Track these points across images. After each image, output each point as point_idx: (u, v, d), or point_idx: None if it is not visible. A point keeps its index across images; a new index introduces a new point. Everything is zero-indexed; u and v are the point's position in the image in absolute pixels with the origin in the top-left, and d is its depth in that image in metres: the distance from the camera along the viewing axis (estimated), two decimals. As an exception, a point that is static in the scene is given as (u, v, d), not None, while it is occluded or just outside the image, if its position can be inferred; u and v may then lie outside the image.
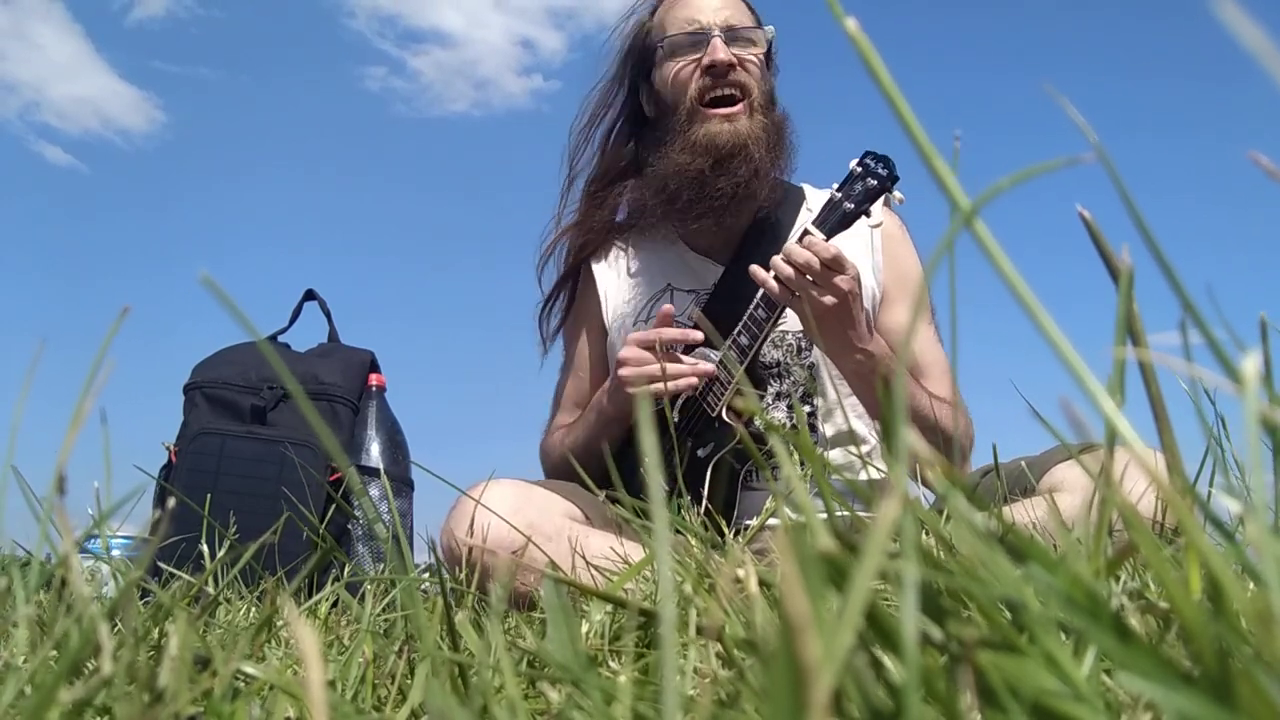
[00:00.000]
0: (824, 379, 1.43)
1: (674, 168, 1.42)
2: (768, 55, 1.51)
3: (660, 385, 1.28)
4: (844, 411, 1.44)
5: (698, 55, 1.44)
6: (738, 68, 1.43)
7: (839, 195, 1.33)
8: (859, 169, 1.34)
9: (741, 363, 1.33)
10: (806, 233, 1.28)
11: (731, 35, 1.45)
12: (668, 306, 1.35)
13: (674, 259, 1.51)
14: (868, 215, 1.33)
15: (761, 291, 1.33)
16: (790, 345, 1.44)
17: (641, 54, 1.52)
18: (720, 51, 1.42)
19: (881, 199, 1.33)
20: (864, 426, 1.47)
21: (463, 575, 1.00)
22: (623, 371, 1.33)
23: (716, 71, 1.42)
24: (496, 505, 1.12)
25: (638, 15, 1.54)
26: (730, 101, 1.43)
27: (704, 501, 1.25)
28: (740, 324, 1.34)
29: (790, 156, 1.51)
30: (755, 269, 1.28)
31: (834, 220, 1.30)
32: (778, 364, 1.44)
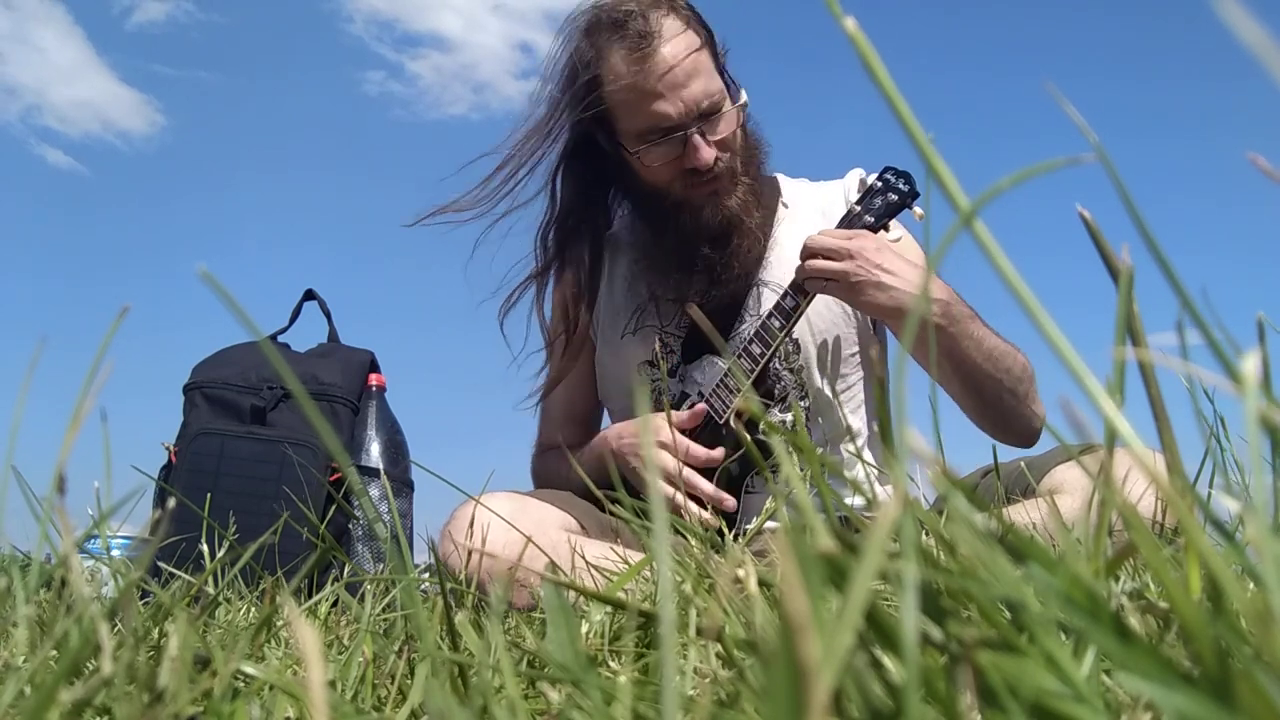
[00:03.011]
0: (815, 379, 1.42)
1: (684, 261, 1.39)
2: (734, 90, 1.39)
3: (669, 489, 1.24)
4: (840, 407, 1.44)
5: (676, 154, 1.33)
6: (719, 157, 1.34)
7: (858, 209, 1.33)
8: (879, 183, 1.34)
9: (753, 371, 1.33)
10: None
11: (705, 119, 1.32)
12: (701, 406, 1.32)
13: (656, 267, 1.47)
14: (886, 230, 1.33)
15: (776, 301, 1.32)
16: (779, 350, 1.44)
17: (594, 111, 1.35)
18: (704, 153, 1.31)
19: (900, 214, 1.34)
20: (859, 421, 1.47)
21: (462, 578, 1.00)
22: (634, 463, 1.29)
23: (702, 170, 1.33)
24: (491, 520, 1.11)
25: (579, 58, 1.36)
26: (713, 180, 1.36)
27: (707, 507, 1.24)
28: (753, 333, 1.34)
29: (764, 168, 1.48)
30: (810, 264, 1.26)
31: None
32: (771, 365, 1.44)
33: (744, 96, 1.39)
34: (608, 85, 1.33)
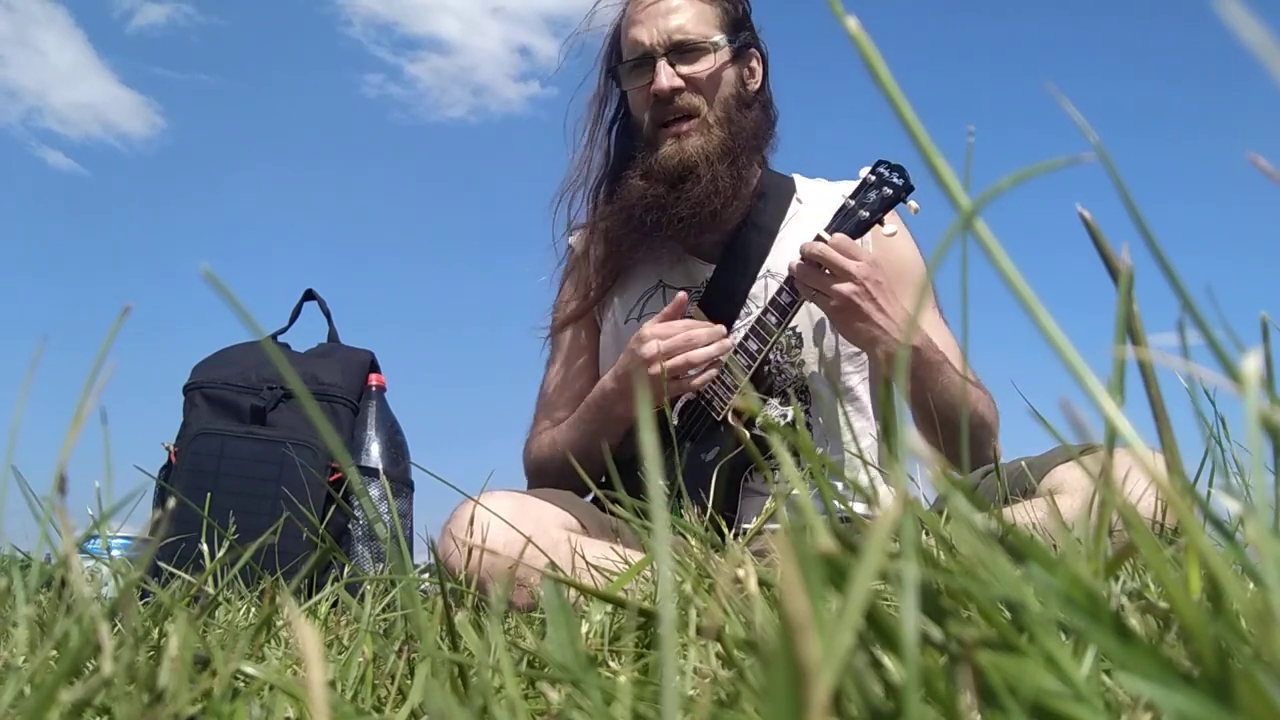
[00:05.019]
0: (817, 374, 1.43)
1: (635, 195, 1.42)
2: (739, 52, 1.46)
3: (677, 361, 1.28)
4: (840, 406, 1.44)
5: (646, 81, 1.43)
6: (685, 91, 1.41)
7: (852, 203, 1.34)
8: (872, 177, 1.35)
9: (750, 367, 1.33)
10: (818, 239, 1.29)
11: (679, 52, 1.41)
12: (683, 294, 1.34)
13: (665, 256, 1.49)
14: (881, 224, 1.33)
15: (772, 297, 1.33)
16: (780, 343, 1.44)
17: (610, 52, 1.51)
18: (663, 79, 1.40)
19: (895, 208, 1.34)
20: (863, 420, 1.47)
21: (462, 577, 1.00)
22: (646, 349, 1.31)
23: (662, 99, 1.41)
24: (491, 519, 1.10)
25: (612, 16, 1.52)
26: (681, 120, 1.42)
27: (709, 505, 1.24)
28: (749, 329, 1.34)
29: (767, 151, 1.50)
30: (792, 263, 1.29)
31: (847, 228, 1.31)
32: (768, 361, 1.43)
33: (723, 43, 1.44)
34: (620, 27, 1.49)
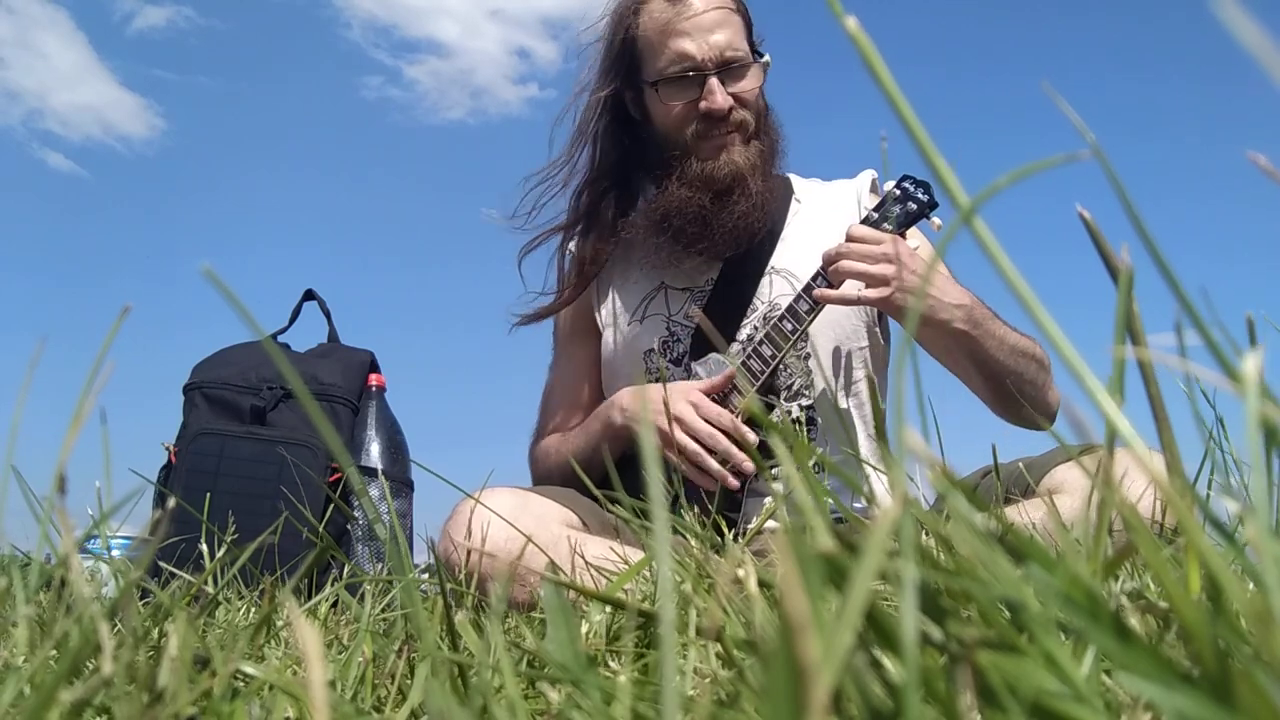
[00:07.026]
0: (822, 369, 1.42)
1: (676, 203, 1.40)
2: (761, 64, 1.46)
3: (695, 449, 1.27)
4: (845, 401, 1.43)
5: (693, 96, 1.40)
6: (735, 108, 1.40)
7: (875, 215, 1.34)
8: (897, 191, 1.35)
9: (763, 373, 1.33)
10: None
11: (728, 69, 1.39)
12: (730, 369, 1.33)
13: (667, 257, 1.48)
14: (904, 239, 1.34)
15: (788, 304, 1.33)
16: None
17: (628, 62, 1.47)
18: (719, 98, 1.38)
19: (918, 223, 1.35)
20: (859, 419, 1.47)
21: (462, 576, 1.00)
22: (679, 437, 1.29)
23: (716, 116, 1.39)
24: (493, 516, 1.10)
25: (620, 15, 1.48)
26: (729, 133, 1.41)
27: (713, 508, 1.24)
28: (764, 334, 1.34)
29: (781, 160, 1.50)
30: (828, 252, 1.29)
31: None
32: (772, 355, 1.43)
33: (767, 58, 1.44)
34: (642, 29, 1.44)
